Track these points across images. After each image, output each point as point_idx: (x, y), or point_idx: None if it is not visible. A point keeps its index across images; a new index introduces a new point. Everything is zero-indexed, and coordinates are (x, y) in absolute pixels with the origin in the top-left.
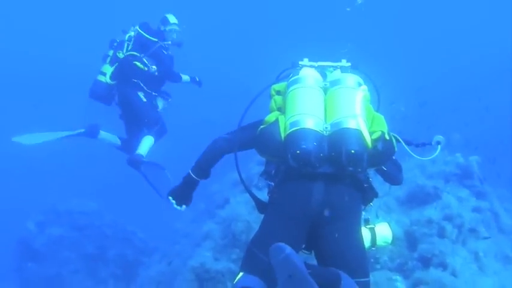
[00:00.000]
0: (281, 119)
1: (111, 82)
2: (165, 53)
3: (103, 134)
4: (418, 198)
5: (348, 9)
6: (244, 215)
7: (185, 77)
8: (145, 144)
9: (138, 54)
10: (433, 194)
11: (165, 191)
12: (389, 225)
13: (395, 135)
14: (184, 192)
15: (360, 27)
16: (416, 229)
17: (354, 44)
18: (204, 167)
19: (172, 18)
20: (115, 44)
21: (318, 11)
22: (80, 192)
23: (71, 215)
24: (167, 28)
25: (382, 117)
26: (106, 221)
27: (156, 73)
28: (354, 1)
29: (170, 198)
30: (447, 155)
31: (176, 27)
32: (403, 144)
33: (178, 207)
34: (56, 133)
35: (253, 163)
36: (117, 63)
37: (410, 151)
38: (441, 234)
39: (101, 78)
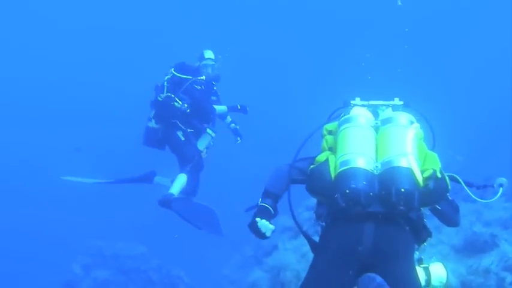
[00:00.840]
0: (331, 158)
1: (156, 126)
2: (198, 87)
3: (157, 179)
4: (475, 247)
5: (400, 3)
6: (293, 263)
7: (221, 108)
8: (178, 183)
9: (172, 95)
10: (490, 242)
11: (201, 222)
12: (444, 265)
13: (455, 175)
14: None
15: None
16: (473, 279)
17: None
18: (275, 193)
19: (207, 53)
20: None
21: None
22: (127, 235)
23: (117, 258)
24: (202, 63)
25: (435, 155)
26: (152, 265)
27: (188, 110)
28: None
29: (258, 219)
30: (504, 201)
31: (211, 62)
32: (463, 185)
33: (270, 226)
34: (111, 179)
35: (302, 208)
36: (157, 107)
37: (470, 193)
38: (500, 285)
39: (150, 124)
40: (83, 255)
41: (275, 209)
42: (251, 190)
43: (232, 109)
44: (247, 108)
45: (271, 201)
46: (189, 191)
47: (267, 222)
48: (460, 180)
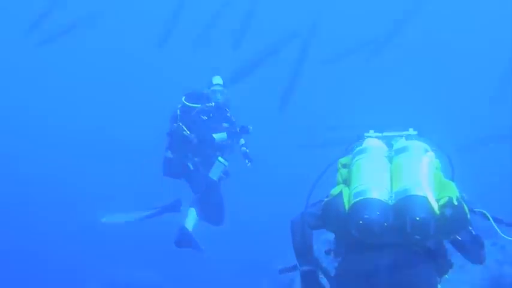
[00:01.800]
0: (345, 190)
1: (171, 156)
2: (204, 117)
3: (184, 208)
4: None
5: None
6: None
7: (219, 136)
8: (190, 219)
9: (181, 124)
10: None
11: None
12: None
13: (483, 211)
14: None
15: None
16: None
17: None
18: (306, 250)
19: (216, 79)
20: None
21: None
22: (140, 262)
23: (130, 287)
24: (210, 89)
25: (452, 183)
26: None
27: (195, 140)
28: None
29: None
30: None
31: (219, 88)
32: (491, 221)
33: None
34: (142, 212)
35: (320, 243)
36: (171, 136)
37: (498, 230)
38: None
39: (167, 154)
40: (94, 284)
41: (315, 263)
42: (269, 222)
43: (232, 134)
44: (249, 127)
45: (309, 258)
46: (210, 221)
47: None
48: (489, 215)
